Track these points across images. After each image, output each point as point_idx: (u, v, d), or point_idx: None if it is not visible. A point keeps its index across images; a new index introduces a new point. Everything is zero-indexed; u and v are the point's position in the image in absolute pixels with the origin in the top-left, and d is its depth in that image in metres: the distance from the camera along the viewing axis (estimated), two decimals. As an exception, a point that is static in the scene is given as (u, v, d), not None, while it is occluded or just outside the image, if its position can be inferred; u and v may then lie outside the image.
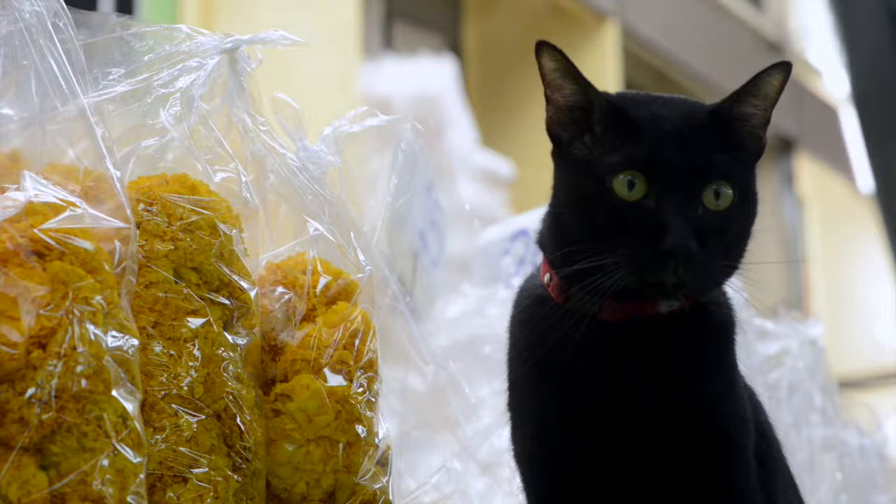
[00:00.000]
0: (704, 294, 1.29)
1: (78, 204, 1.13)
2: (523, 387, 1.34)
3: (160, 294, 1.21)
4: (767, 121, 1.31)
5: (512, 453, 1.37)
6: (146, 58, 1.34)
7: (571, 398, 1.28)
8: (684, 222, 1.22)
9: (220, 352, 1.23)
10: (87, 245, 1.11)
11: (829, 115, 10.32)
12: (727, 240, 1.26)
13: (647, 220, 1.23)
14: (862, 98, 4.71)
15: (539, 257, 1.37)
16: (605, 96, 1.29)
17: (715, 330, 1.32)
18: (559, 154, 1.31)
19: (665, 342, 1.28)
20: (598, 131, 1.28)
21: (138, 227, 1.20)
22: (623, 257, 1.23)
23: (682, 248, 1.21)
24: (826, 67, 10.74)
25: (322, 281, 1.36)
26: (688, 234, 1.22)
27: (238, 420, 1.23)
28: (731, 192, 1.25)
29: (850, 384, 6.90)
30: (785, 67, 1.29)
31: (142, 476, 1.10)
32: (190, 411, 1.19)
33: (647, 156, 1.24)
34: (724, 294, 1.34)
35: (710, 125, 1.27)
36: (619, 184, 1.24)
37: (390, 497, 1.34)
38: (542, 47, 1.28)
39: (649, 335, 1.27)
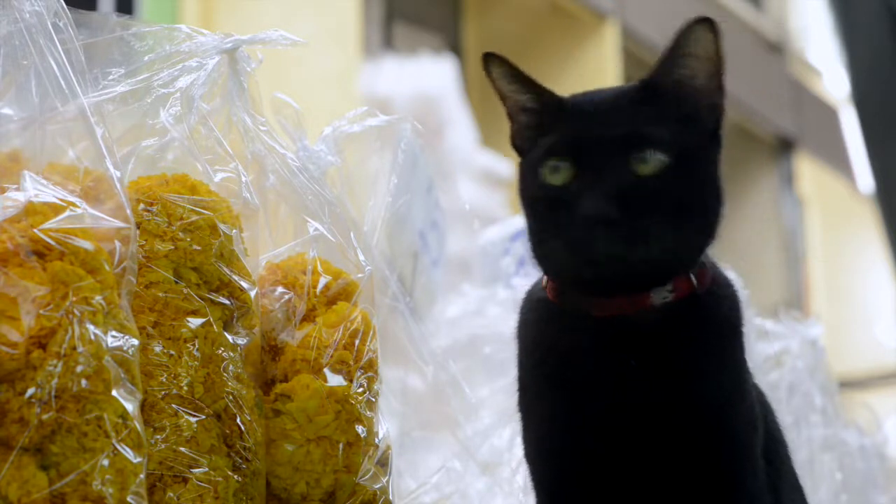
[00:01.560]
0: (653, 260, 1.24)
1: (78, 204, 1.13)
2: (532, 388, 1.34)
3: (160, 294, 1.21)
4: (719, 87, 1.28)
5: (523, 453, 1.37)
6: (146, 58, 1.34)
7: (577, 398, 1.28)
8: (601, 192, 1.22)
9: (220, 352, 1.23)
10: (87, 245, 1.11)
11: (829, 115, 10.31)
12: (669, 204, 1.23)
13: (572, 199, 1.24)
14: (862, 98, 4.70)
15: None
16: (552, 97, 1.30)
17: (717, 324, 1.30)
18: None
19: (666, 339, 1.27)
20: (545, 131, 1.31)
21: (138, 227, 1.20)
22: (556, 238, 1.25)
23: (596, 213, 1.21)
24: (826, 67, 10.74)
25: (322, 281, 1.36)
26: (604, 201, 1.22)
27: (238, 420, 1.22)
28: (662, 156, 1.23)
29: (850, 384, 6.89)
30: (705, 22, 1.26)
31: (142, 476, 1.10)
32: (190, 411, 1.19)
33: (566, 140, 1.27)
34: (728, 286, 1.32)
35: (641, 99, 1.28)
36: (546, 171, 1.27)
37: (390, 497, 1.34)
38: (489, 59, 1.30)
39: (650, 332, 1.26)
